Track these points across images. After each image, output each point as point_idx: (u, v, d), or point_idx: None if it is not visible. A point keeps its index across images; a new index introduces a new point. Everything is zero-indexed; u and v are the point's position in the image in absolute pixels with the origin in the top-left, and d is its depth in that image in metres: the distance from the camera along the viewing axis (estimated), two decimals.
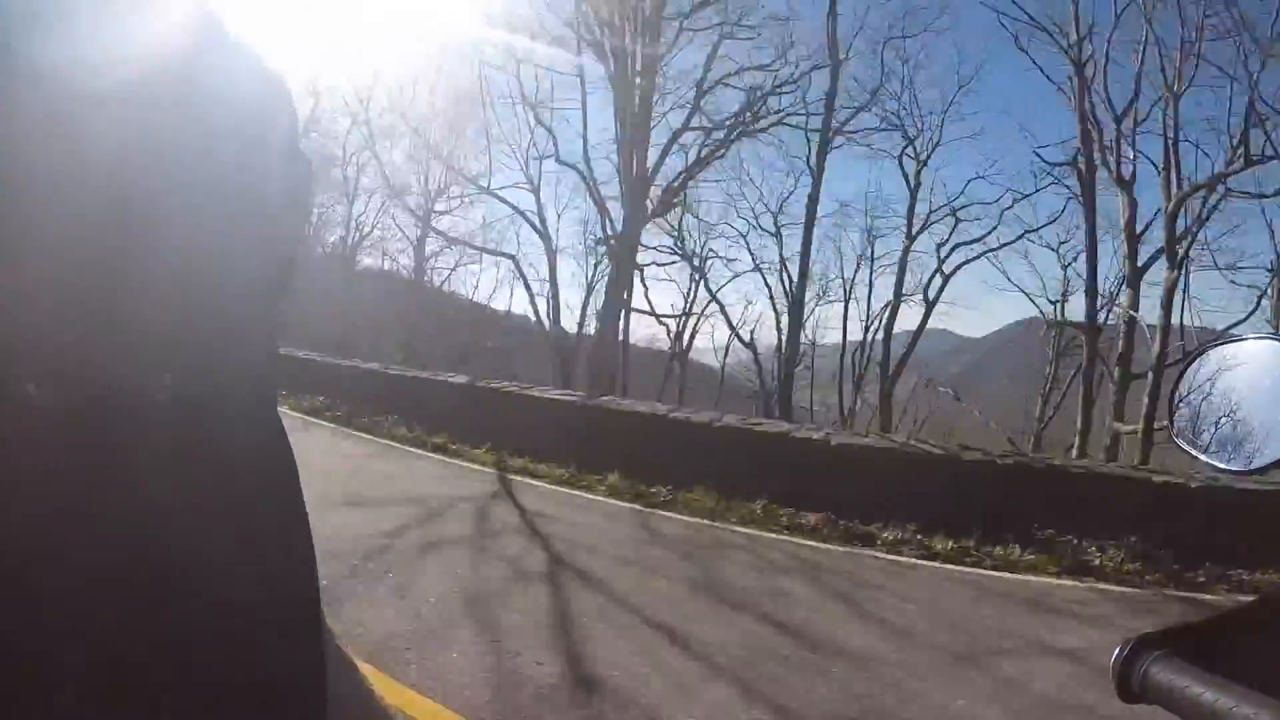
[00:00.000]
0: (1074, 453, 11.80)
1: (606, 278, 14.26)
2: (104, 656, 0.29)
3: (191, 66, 0.33)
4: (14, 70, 0.28)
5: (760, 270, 16.51)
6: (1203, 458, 0.64)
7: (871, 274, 16.76)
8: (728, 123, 14.21)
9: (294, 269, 0.41)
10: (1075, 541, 4.89)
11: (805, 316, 15.18)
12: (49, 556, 0.28)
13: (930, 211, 15.28)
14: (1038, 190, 14.21)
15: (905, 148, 15.53)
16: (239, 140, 0.35)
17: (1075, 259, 14.15)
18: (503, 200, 15.46)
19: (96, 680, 0.29)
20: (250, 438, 0.35)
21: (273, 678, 0.34)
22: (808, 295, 15.40)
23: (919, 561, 4.86)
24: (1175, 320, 11.99)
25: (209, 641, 0.31)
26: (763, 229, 16.90)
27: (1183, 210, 11.92)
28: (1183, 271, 11.93)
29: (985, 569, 4.75)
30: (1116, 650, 0.44)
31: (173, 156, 0.32)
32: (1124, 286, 12.54)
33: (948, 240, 15.15)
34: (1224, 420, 0.64)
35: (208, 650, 0.31)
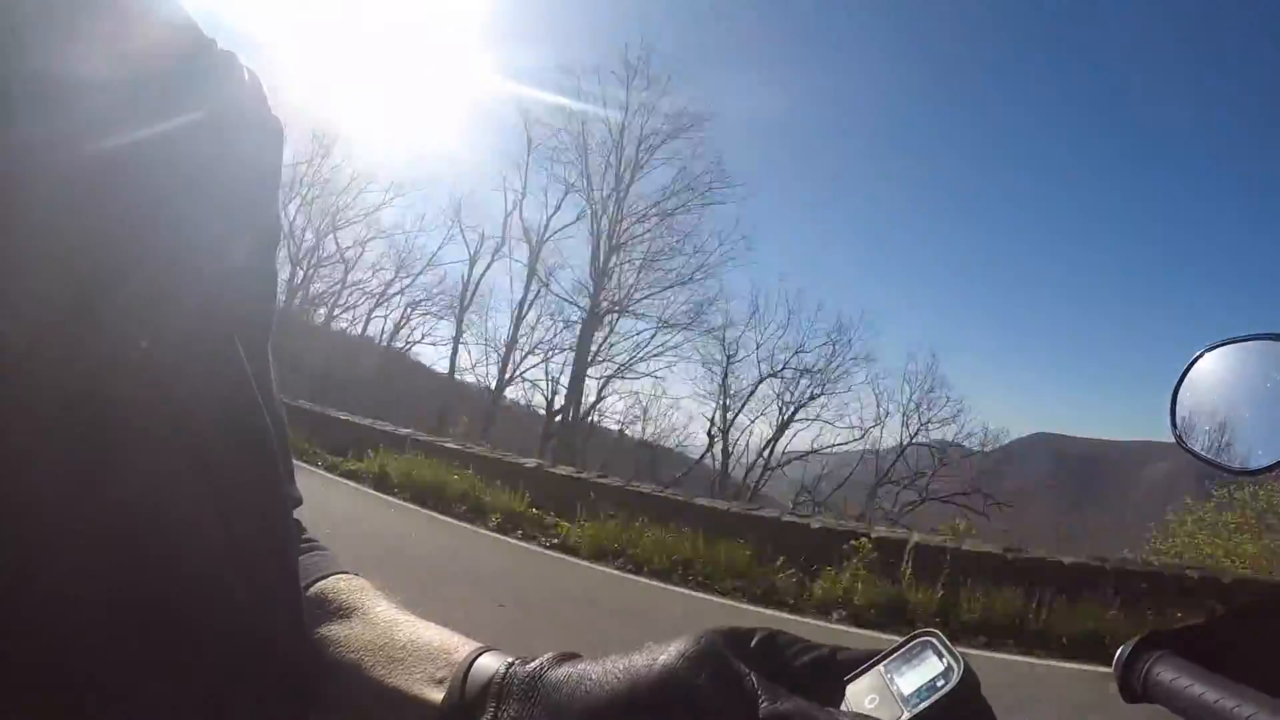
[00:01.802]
0: None
1: None
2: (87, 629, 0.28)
3: (159, 55, 0.34)
4: (12, 60, 0.28)
5: None
6: (1204, 458, 0.63)
7: None
8: None
9: (277, 238, 0.41)
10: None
11: None
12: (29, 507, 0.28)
13: None
14: None
15: None
16: (209, 117, 0.35)
17: None
18: None
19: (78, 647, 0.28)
20: (224, 401, 0.35)
21: (247, 643, 0.34)
22: None
23: None
24: None
25: (180, 610, 0.31)
26: None
27: None
28: None
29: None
30: (1119, 650, 0.43)
31: (147, 134, 0.32)
32: None
33: None
34: (1226, 421, 0.64)
35: (179, 619, 0.31)
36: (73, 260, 0.29)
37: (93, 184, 0.30)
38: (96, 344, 0.29)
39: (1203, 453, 0.64)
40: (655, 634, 0.35)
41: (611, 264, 17.90)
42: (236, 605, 0.33)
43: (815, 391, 16.98)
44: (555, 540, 7.35)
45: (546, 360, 18.31)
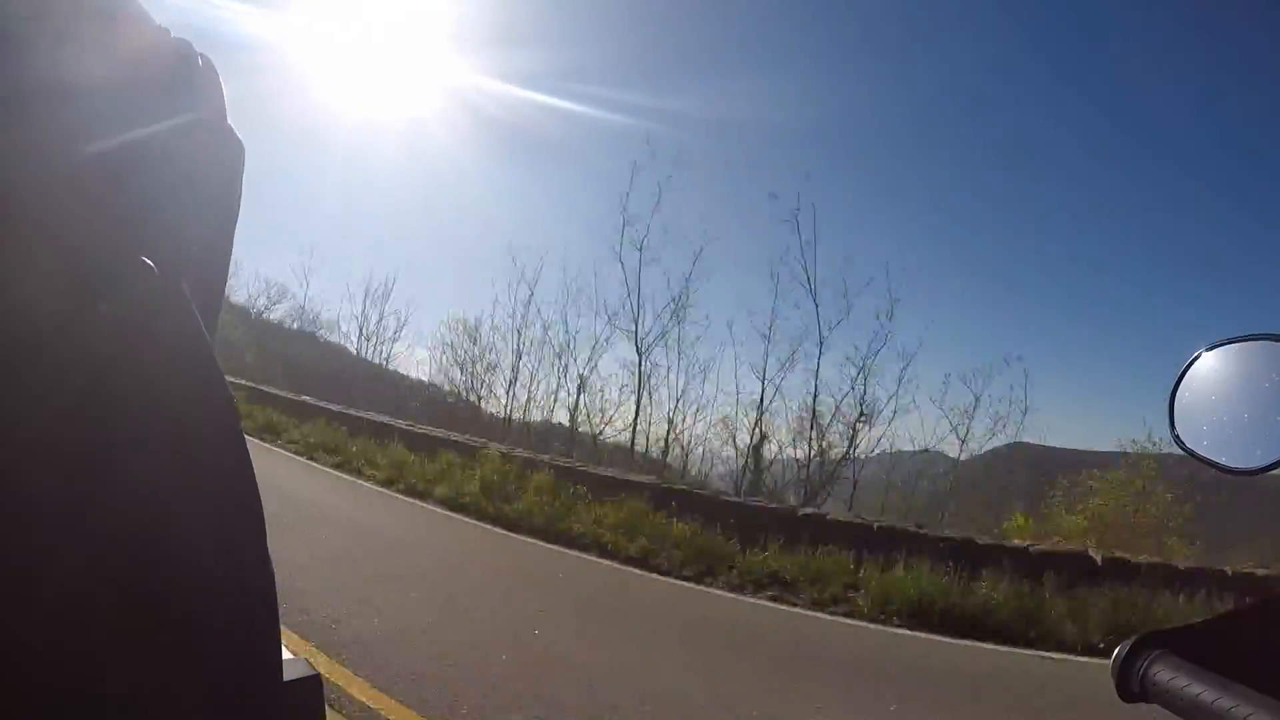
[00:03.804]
0: None
1: None
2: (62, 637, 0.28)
3: (150, 59, 0.34)
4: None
5: None
6: (1201, 457, 0.63)
7: None
8: None
9: (230, 239, 0.42)
10: None
11: None
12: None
13: None
14: None
15: None
16: (173, 120, 0.35)
17: None
18: None
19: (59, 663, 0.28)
20: (207, 403, 0.35)
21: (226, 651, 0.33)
22: None
23: None
24: None
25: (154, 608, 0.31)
26: None
27: None
28: None
29: None
30: (1117, 649, 0.44)
31: (140, 137, 0.32)
32: None
33: None
34: (1224, 420, 0.64)
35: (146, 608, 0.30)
36: (70, 265, 0.29)
37: (88, 187, 0.30)
38: (95, 350, 0.30)
39: (1200, 452, 0.64)
40: None
41: None
42: (231, 608, 0.33)
43: None
44: None
45: None
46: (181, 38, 0.37)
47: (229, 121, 0.40)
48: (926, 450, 13.41)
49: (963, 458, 13.33)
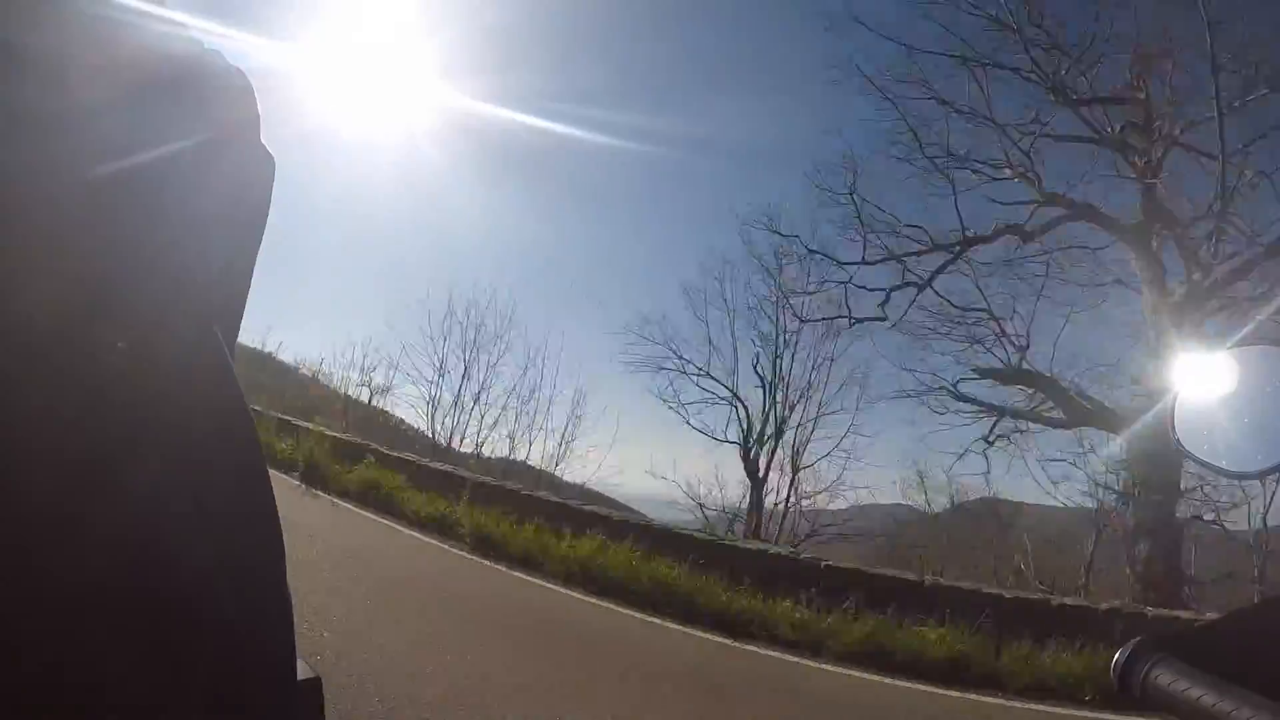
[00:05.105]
0: None
1: None
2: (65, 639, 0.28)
3: (168, 72, 0.34)
4: (18, 70, 0.29)
5: None
6: (1202, 461, 0.64)
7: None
8: None
9: (255, 257, 0.42)
10: None
11: None
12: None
13: None
14: None
15: None
16: (207, 137, 0.35)
17: None
18: None
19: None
20: (208, 406, 0.35)
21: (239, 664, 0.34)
22: None
23: None
24: None
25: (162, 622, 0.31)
26: None
27: None
28: None
29: None
30: (1118, 653, 0.44)
31: (147, 149, 0.33)
32: None
33: None
34: (1224, 425, 0.64)
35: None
36: (74, 279, 0.30)
37: (93, 205, 0.30)
38: (93, 364, 0.30)
39: (1201, 457, 0.64)
40: None
41: None
42: (225, 619, 0.33)
43: None
44: None
45: None
46: (214, 49, 0.37)
47: (261, 138, 0.39)
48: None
49: (933, 511, 13.13)
